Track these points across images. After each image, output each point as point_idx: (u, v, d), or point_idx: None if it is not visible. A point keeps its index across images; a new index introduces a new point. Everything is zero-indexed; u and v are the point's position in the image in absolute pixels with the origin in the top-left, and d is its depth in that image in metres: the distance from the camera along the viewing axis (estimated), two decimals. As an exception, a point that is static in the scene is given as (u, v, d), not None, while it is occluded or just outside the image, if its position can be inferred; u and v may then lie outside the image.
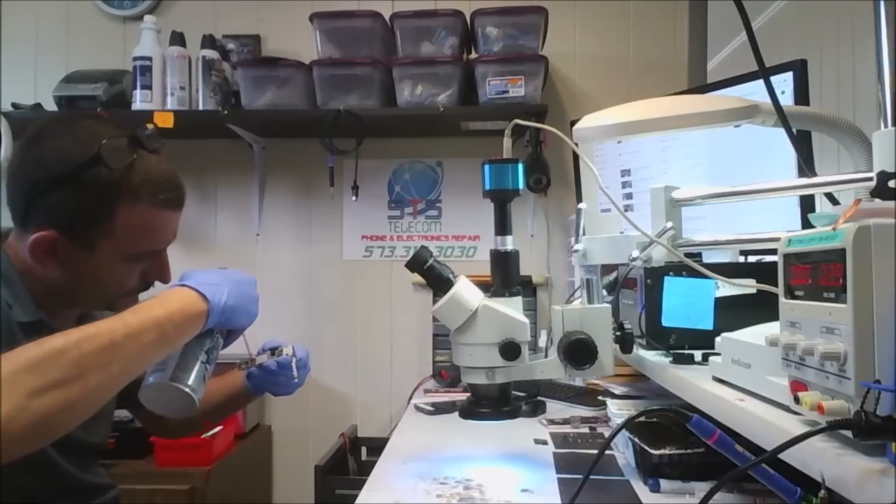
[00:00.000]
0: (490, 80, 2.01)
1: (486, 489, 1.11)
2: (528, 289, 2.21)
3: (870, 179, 0.76)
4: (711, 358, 0.99)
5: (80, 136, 0.94)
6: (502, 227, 1.15)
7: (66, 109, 2.15)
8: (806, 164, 1.07)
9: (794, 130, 1.01)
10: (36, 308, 0.97)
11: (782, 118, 0.98)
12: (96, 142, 0.92)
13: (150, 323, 0.82)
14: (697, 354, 1.12)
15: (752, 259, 1.44)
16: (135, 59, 2.13)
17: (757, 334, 0.83)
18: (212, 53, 2.15)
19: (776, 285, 0.73)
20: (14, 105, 2.23)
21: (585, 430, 1.50)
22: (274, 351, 1.23)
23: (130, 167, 0.95)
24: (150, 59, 2.13)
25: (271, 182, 2.38)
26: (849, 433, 0.57)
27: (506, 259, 1.14)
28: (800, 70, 1.36)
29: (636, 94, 1.23)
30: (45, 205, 0.93)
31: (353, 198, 2.23)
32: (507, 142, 1.16)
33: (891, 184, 0.73)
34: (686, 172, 1.63)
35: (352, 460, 2.15)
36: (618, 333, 1.13)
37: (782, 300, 0.71)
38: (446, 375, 2.04)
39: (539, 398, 1.68)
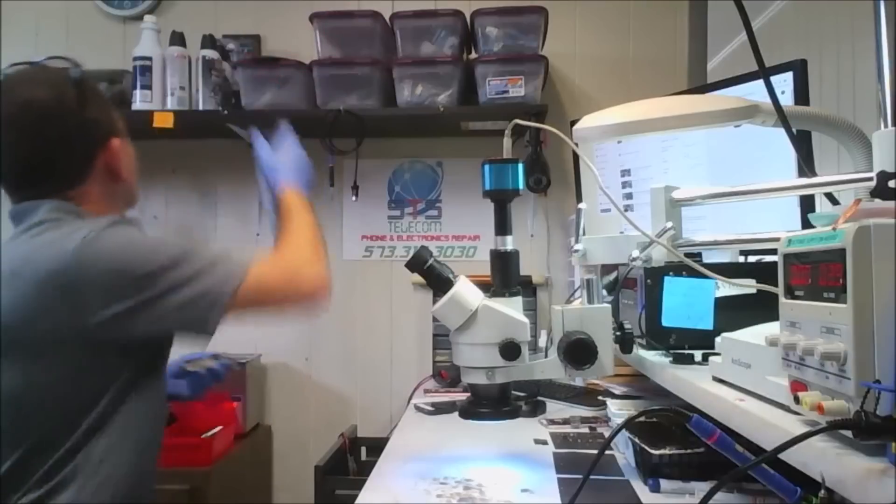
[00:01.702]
0: (490, 80, 2.01)
1: (486, 489, 1.11)
2: (528, 289, 2.21)
3: (870, 179, 0.76)
4: (711, 358, 0.99)
5: (40, 75, 1.15)
6: (502, 227, 1.15)
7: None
8: (806, 164, 1.07)
9: (794, 130, 1.01)
10: None
11: (782, 118, 0.98)
12: (69, 71, 1.13)
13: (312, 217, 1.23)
14: (697, 354, 1.12)
15: (752, 259, 1.44)
16: (135, 59, 2.13)
17: (757, 334, 0.83)
18: (212, 53, 2.15)
19: (776, 285, 0.73)
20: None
21: (585, 430, 1.50)
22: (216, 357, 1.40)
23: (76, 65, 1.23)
24: (150, 59, 2.13)
25: (271, 182, 2.37)
26: (849, 433, 0.57)
27: (506, 259, 1.15)
28: (800, 70, 1.36)
29: (636, 94, 1.23)
30: (90, 125, 1.10)
31: (353, 198, 2.23)
32: (507, 142, 1.16)
33: (891, 184, 0.73)
34: (686, 172, 1.63)
35: (352, 460, 2.15)
36: (618, 333, 1.13)
37: (782, 300, 0.71)
38: (446, 375, 2.04)
39: (539, 398, 1.68)
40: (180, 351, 1.25)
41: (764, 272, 1.02)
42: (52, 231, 1.02)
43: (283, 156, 1.30)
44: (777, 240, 0.73)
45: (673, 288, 1.16)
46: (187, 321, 1.03)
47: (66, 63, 1.14)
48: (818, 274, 0.64)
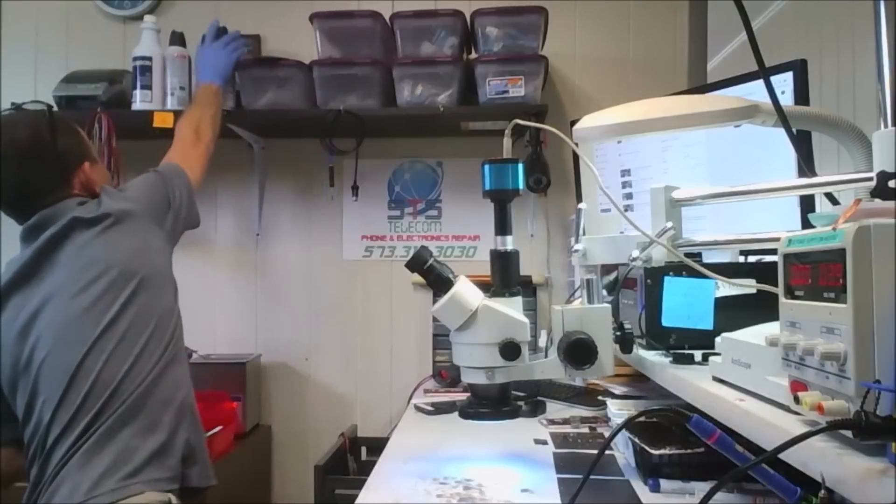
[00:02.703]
0: (490, 80, 2.01)
1: (486, 489, 1.11)
2: (528, 289, 2.21)
3: (870, 179, 0.76)
4: (711, 358, 0.99)
5: (23, 119, 1.44)
6: (502, 227, 1.15)
7: (66, 109, 2.15)
8: (806, 164, 1.07)
9: (794, 130, 1.01)
10: None
11: (782, 118, 0.98)
12: (44, 112, 1.45)
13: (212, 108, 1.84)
14: (697, 354, 1.12)
15: (752, 259, 1.44)
16: (135, 59, 2.13)
17: (757, 334, 0.83)
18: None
19: (776, 285, 0.73)
20: (14, 105, 2.22)
21: (585, 430, 1.50)
22: None
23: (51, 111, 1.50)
24: (150, 59, 2.13)
25: (271, 182, 2.38)
26: (849, 433, 0.57)
27: (506, 259, 1.15)
28: (800, 70, 1.36)
29: (636, 94, 1.23)
30: (63, 155, 1.40)
31: (353, 198, 2.23)
32: (507, 142, 1.16)
33: (891, 184, 0.73)
34: (686, 172, 1.64)
35: (352, 460, 2.15)
36: (618, 333, 1.13)
37: (782, 300, 0.71)
38: (446, 375, 2.04)
39: (539, 398, 1.68)
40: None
41: (764, 272, 1.02)
42: (97, 204, 1.38)
43: (207, 55, 1.92)
44: (777, 240, 0.73)
45: (673, 288, 1.16)
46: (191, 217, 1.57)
47: (41, 106, 1.47)
48: (818, 274, 0.64)
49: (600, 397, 1.60)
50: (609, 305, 1.14)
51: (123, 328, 1.28)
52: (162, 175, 1.53)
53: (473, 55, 2.16)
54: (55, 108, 1.51)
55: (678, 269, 1.16)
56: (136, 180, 1.50)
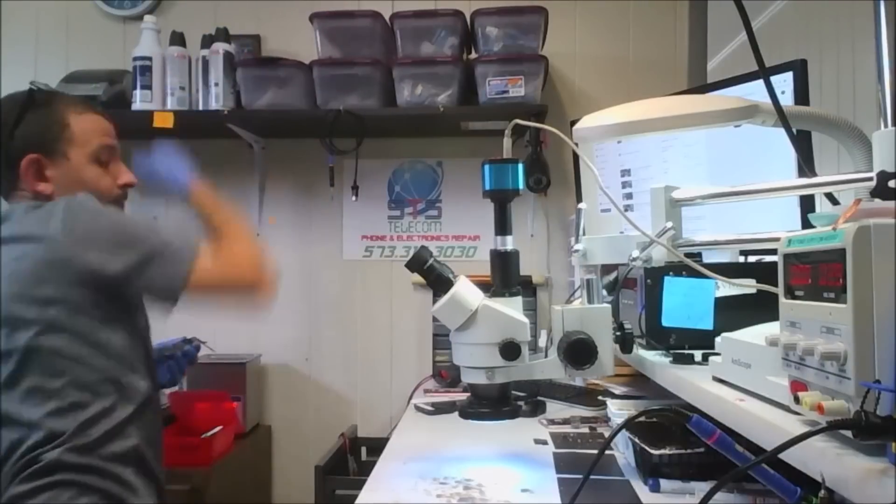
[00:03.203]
0: (490, 80, 2.01)
1: (486, 489, 1.11)
2: (528, 289, 2.21)
3: (870, 179, 0.76)
4: (711, 358, 0.99)
5: (13, 95, 1.24)
6: (502, 227, 1.15)
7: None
8: (806, 164, 1.07)
9: (794, 130, 1.01)
10: None
11: (782, 118, 0.98)
12: (24, 89, 1.23)
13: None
14: (697, 354, 1.12)
15: (752, 259, 1.44)
16: (135, 59, 2.13)
17: (757, 334, 0.83)
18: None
19: (776, 285, 0.73)
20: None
21: (585, 430, 1.50)
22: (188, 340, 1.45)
23: (57, 94, 1.29)
24: (150, 59, 2.13)
25: (271, 182, 2.38)
26: (849, 433, 0.57)
27: (506, 259, 1.15)
28: (800, 70, 1.36)
29: (636, 94, 1.23)
30: (17, 140, 1.19)
31: (353, 198, 2.23)
32: (507, 142, 1.16)
33: (891, 184, 0.73)
34: (686, 172, 1.63)
35: (352, 460, 2.15)
36: (618, 333, 1.13)
37: (782, 300, 0.71)
38: (446, 375, 2.04)
39: (539, 398, 1.68)
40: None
41: (764, 272, 1.02)
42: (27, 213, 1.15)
43: (167, 166, 1.44)
44: (777, 240, 0.73)
45: (673, 288, 1.16)
46: (163, 282, 1.14)
47: (44, 86, 1.30)
48: (818, 274, 0.64)
49: (600, 397, 1.60)
50: (609, 305, 1.14)
51: None
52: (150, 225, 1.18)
53: (473, 55, 2.16)
54: (57, 92, 1.32)
55: (678, 269, 1.16)
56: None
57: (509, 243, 1.15)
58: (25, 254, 1.09)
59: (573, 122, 1.24)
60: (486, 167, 1.14)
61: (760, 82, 1.04)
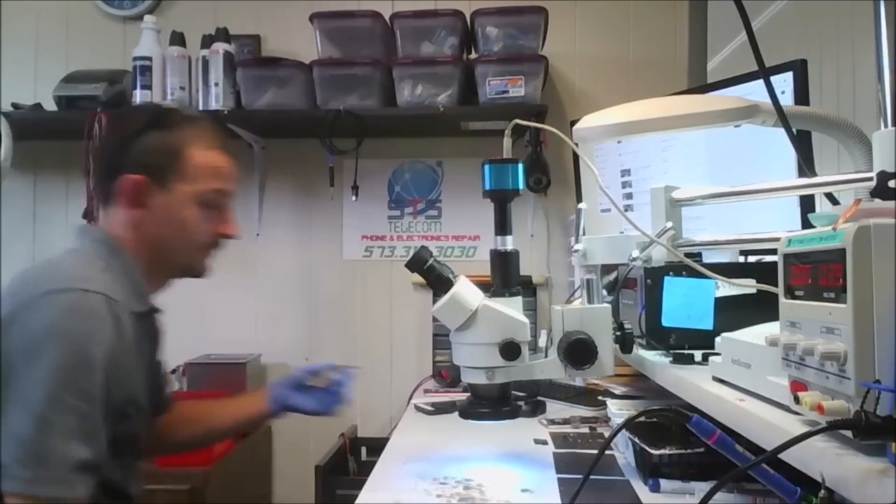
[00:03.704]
0: (490, 80, 2.01)
1: (486, 489, 1.11)
2: (528, 289, 2.21)
3: (870, 179, 0.76)
4: (711, 358, 0.99)
5: (150, 106, 1.20)
6: (502, 227, 1.15)
7: (66, 109, 2.15)
8: (806, 164, 1.07)
9: (794, 130, 1.01)
10: (148, 294, 1.14)
11: (782, 118, 0.98)
12: (161, 106, 1.16)
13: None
14: (697, 354, 1.12)
15: (752, 259, 1.44)
16: (135, 59, 2.13)
17: (757, 334, 0.83)
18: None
19: (776, 285, 0.73)
20: (14, 105, 2.23)
21: (585, 430, 1.50)
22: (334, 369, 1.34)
23: (189, 120, 1.16)
24: (150, 59, 2.13)
25: (271, 182, 2.38)
26: (849, 433, 0.57)
27: (506, 259, 1.14)
28: (800, 70, 1.36)
29: (636, 94, 1.23)
30: (132, 154, 1.10)
31: (353, 198, 2.23)
32: (507, 142, 1.16)
33: (891, 184, 0.73)
34: (686, 172, 1.63)
35: (352, 460, 2.15)
36: (618, 333, 1.13)
37: (782, 300, 0.71)
38: (446, 375, 2.04)
39: (539, 398, 1.68)
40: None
41: (764, 272, 1.02)
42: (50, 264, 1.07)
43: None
44: (777, 240, 0.73)
45: (673, 288, 1.16)
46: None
47: (182, 107, 1.24)
48: (818, 274, 0.64)
49: (600, 397, 1.60)
50: (609, 305, 1.14)
51: None
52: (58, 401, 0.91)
53: (473, 55, 2.16)
54: (194, 117, 1.20)
55: (678, 269, 1.16)
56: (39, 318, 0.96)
57: (509, 243, 1.15)
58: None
59: (573, 122, 1.24)
60: (486, 167, 1.14)
61: (760, 82, 1.04)
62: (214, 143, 1.17)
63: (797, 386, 0.68)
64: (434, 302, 1.15)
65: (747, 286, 1.07)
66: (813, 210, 1.27)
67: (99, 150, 1.19)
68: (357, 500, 1.08)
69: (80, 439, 0.91)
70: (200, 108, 2.15)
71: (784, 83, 1.36)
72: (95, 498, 0.95)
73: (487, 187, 1.14)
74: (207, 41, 2.15)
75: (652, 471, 1.09)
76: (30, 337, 0.93)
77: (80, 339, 0.93)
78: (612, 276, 1.32)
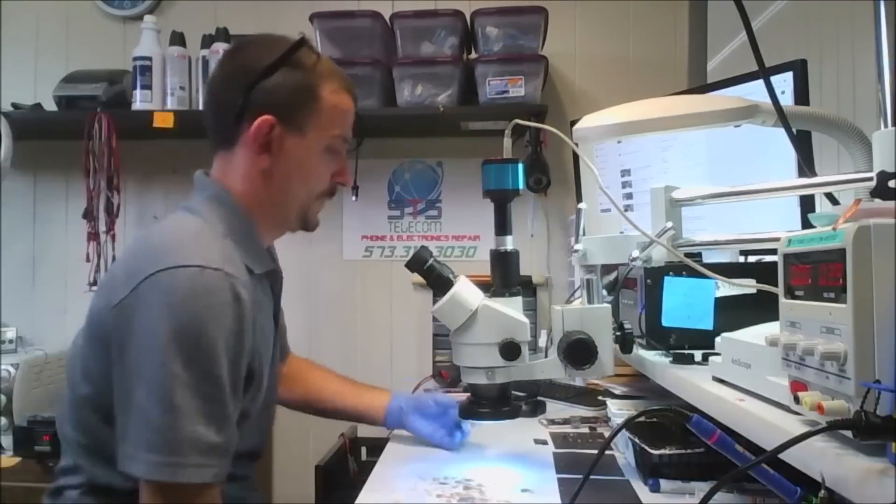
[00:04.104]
0: (490, 80, 2.01)
1: (486, 489, 1.11)
2: (528, 289, 2.21)
3: (870, 179, 0.76)
4: (711, 358, 0.99)
5: (274, 38, 1.06)
6: (502, 227, 1.15)
7: (66, 109, 2.15)
8: (806, 164, 1.07)
9: (794, 130, 1.01)
10: (269, 256, 1.10)
11: (782, 118, 0.98)
12: (289, 39, 1.05)
13: None
14: (697, 354, 1.12)
15: (752, 259, 1.44)
16: (135, 59, 2.13)
17: (757, 334, 0.83)
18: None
19: (776, 285, 0.73)
20: (14, 105, 2.23)
21: (585, 430, 1.50)
22: None
23: (321, 57, 1.08)
24: (150, 59, 2.13)
25: (271, 182, 2.38)
26: (849, 433, 0.57)
27: (506, 259, 1.14)
28: (800, 70, 1.36)
29: (636, 94, 1.23)
30: (261, 92, 1.01)
31: (353, 198, 2.23)
32: (507, 142, 1.16)
33: (891, 184, 0.73)
34: (686, 172, 1.64)
35: (352, 460, 2.15)
36: (618, 333, 1.13)
37: (782, 300, 0.71)
38: (446, 375, 2.04)
39: (539, 398, 1.68)
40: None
41: (764, 272, 1.02)
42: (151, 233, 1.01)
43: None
44: (777, 240, 0.73)
45: (673, 288, 1.16)
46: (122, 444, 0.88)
47: (310, 43, 1.09)
48: (818, 274, 0.64)
49: (600, 397, 1.60)
50: (609, 305, 1.14)
51: None
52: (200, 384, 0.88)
53: (473, 55, 2.16)
54: (324, 57, 1.10)
55: (678, 269, 1.16)
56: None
57: (509, 243, 1.15)
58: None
59: (573, 122, 1.24)
60: (486, 167, 1.14)
61: (760, 82, 1.04)
62: (344, 83, 1.10)
63: (797, 386, 0.68)
64: (434, 302, 1.15)
65: (747, 286, 1.07)
66: (813, 210, 1.27)
67: (217, 87, 1.07)
68: (357, 500, 1.08)
69: (209, 423, 0.87)
70: (201, 107, 2.14)
71: (784, 83, 1.36)
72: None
73: (487, 187, 1.14)
74: (207, 41, 2.15)
75: (652, 471, 1.09)
76: (148, 318, 0.88)
77: (200, 319, 0.88)
78: (612, 276, 1.32)
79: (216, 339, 0.88)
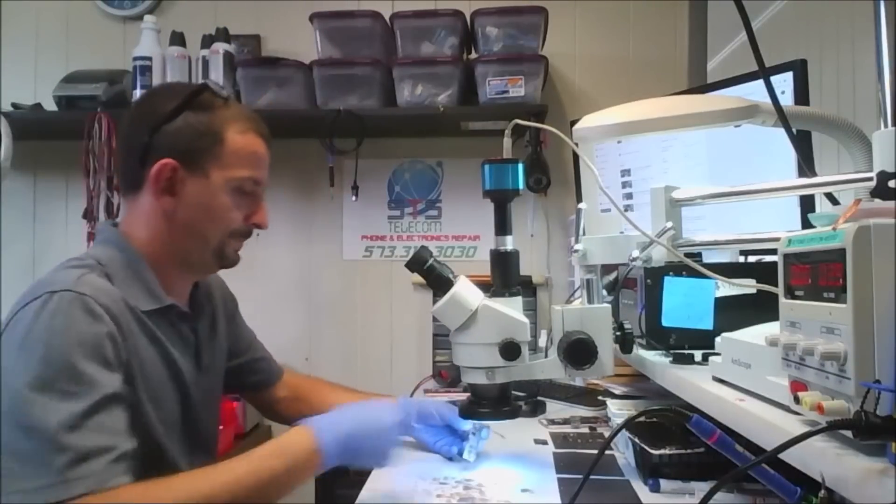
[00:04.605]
0: (490, 80, 2.01)
1: (486, 489, 1.11)
2: (528, 289, 2.21)
3: (870, 179, 0.76)
4: (711, 358, 0.99)
5: (181, 84, 1.11)
6: (502, 227, 1.15)
7: (66, 109, 2.15)
8: (806, 164, 1.07)
9: (794, 130, 1.01)
10: (163, 292, 1.06)
11: (782, 118, 0.98)
12: (196, 84, 1.09)
13: (268, 474, 0.93)
14: (697, 354, 1.12)
15: (752, 259, 1.44)
16: (135, 59, 2.13)
17: (757, 334, 0.83)
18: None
19: (776, 285, 0.73)
20: (14, 105, 2.23)
21: (585, 430, 1.50)
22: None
23: (228, 100, 1.10)
24: (150, 59, 2.13)
25: (271, 182, 2.33)
26: (849, 433, 0.57)
27: (506, 259, 1.14)
28: (800, 70, 1.36)
29: (636, 94, 1.23)
30: (163, 136, 1.03)
31: (353, 198, 2.23)
32: (507, 142, 1.15)
33: (891, 184, 0.73)
34: (686, 172, 1.64)
35: (352, 460, 2.15)
36: (618, 333, 1.13)
37: (782, 300, 0.71)
38: (446, 375, 2.04)
39: (539, 398, 1.68)
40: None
41: (764, 272, 1.02)
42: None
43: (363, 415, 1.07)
44: (777, 240, 0.73)
45: (673, 288, 1.16)
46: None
47: (218, 88, 1.11)
48: (818, 274, 0.64)
49: (600, 397, 1.60)
50: (609, 305, 1.14)
51: None
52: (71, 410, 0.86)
53: (473, 55, 2.16)
54: (228, 99, 1.11)
55: (678, 269, 1.16)
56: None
57: (509, 243, 1.15)
58: None
59: (573, 122, 1.24)
60: (486, 167, 1.14)
61: (760, 82, 1.04)
62: (251, 126, 1.11)
63: (797, 386, 0.68)
64: (434, 302, 1.15)
65: (747, 286, 1.07)
66: (813, 210, 1.27)
67: (125, 133, 1.08)
68: (357, 500, 1.08)
69: (73, 429, 0.84)
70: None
71: (784, 83, 1.36)
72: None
73: (487, 187, 1.14)
74: (207, 41, 2.15)
75: (652, 471, 1.09)
76: (9, 350, 0.89)
77: (55, 338, 0.88)
78: (612, 276, 1.32)
79: (72, 351, 0.88)
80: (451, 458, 1.27)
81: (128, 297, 1.00)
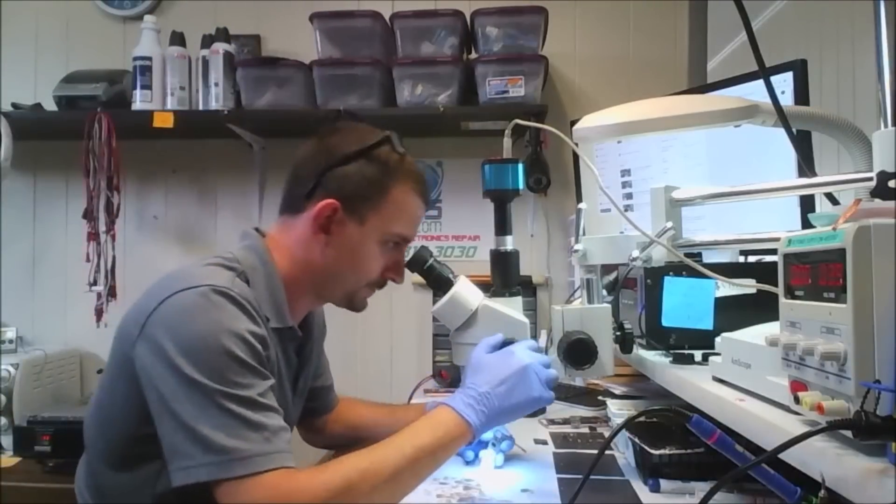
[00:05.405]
0: (490, 80, 2.01)
1: (486, 489, 1.11)
2: (528, 289, 2.21)
3: (870, 179, 0.76)
4: (711, 358, 0.99)
5: (367, 130, 1.14)
6: (502, 227, 1.15)
7: (66, 109, 2.15)
8: (806, 164, 1.07)
9: (794, 130, 1.01)
10: (289, 315, 1.08)
11: (782, 118, 0.98)
12: (381, 132, 1.13)
13: (424, 453, 0.95)
14: (697, 354, 1.12)
15: (752, 259, 1.44)
16: (135, 59, 2.13)
17: (757, 334, 0.83)
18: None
19: (776, 285, 0.73)
20: (14, 105, 2.23)
21: (585, 430, 1.50)
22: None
23: (404, 157, 1.14)
24: (150, 59, 2.13)
25: (271, 182, 2.38)
26: (849, 433, 0.57)
27: (506, 259, 1.14)
28: (800, 70, 1.36)
29: (636, 94, 1.23)
30: (334, 177, 1.07)
31: (353, 198, 2.23)
32: (507, 142, 1.16)
33: (891, 184, 0.73)
34: (686, 172, 1.64)
35: (352, 460, 2.15)
36: (618, 333, 1.13)
37: (782, 300, 0.71)
38: (446, 375, 2.04)
39: (539, 398, 1.68)
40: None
41: (764, 272, 1.02)
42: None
43: (493, 365, 1.03)
44: (777, 240, 0.73)
45: (673, 288, 1.16)
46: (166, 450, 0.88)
47: (397, 143, 1.16)
48: (818, 274, 0.64)
49: (600, 397, 1.60)
50: (609, 305, 1.14)
51: None
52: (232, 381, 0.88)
53: (473, 55, 2.16)
54: (406, 157, 1.16)
55: (678, 269, 1.16)
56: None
57: (509, 243, 1.15)
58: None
59: (573, 122, 1.24)
60: (486, 167, 1.14)
61: (760, 82, 1.04)
62: (418, 187, 1.14)
63: (797, 386, 0.68)
64: (434, 302, 1.15)
65: (747, 286, 1.07)
66: (813, 210, 1.27)
67: (302, 158, 1.13)
68: (357, 500, 1.08)
69: (245, 413, 0.87)
70: (200, 107, 2.15)
71: (784, 83, 1.36)
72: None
73: (487, 187, 1.14)
74: (207, 41, 2.16)
75: (652, 471, 1.09)
76: (158, 341, 0.89)
77: (201, 325, 0.89)
78: (612, 276, 1.32)
79: (219, 339, 0.89)
80: (468, 462, 1.25)
81: (257, 307, 1.00)
